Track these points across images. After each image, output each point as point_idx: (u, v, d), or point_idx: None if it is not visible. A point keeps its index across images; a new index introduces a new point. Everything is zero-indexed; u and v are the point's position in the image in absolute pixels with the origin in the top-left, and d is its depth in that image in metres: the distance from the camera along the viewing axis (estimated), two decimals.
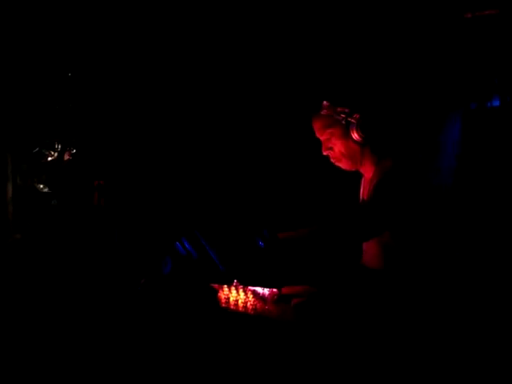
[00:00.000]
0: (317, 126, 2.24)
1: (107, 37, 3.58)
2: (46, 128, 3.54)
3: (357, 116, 2.15)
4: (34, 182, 3.47)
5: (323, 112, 2.20)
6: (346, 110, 2.16)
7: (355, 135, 2.16)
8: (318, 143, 2.28)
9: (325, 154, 2.26)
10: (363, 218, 2.07)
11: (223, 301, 2.13)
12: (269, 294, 2.19)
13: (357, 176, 2.36)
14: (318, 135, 2.26)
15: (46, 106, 3.56)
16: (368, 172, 2.25)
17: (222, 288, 2.20)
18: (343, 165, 2.26)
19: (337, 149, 2.22)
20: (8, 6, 3.52)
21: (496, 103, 3.20)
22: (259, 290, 2.23)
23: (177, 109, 3.57)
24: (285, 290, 2.16)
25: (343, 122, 2.17)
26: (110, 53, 3.61)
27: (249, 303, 2.10)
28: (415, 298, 2.01)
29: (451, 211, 3.21)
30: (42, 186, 3.46)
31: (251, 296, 2.15)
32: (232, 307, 2.09)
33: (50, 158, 3.49)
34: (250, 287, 2.22)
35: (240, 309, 2.08)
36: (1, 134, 3.68)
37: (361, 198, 2.33)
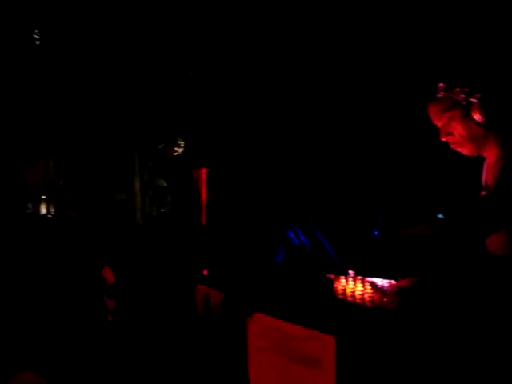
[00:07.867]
0: (434, 110, 2.12)
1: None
2: (170, 126, 3.69)
3: (478, 95, 2.01)
4: (156, 177, 3.64)
5: (440, 95, 2.09)
6: (466, 90, 2.03)
7: (478, 116, 2.03)
8: (434, 130, 2.17)
9: (444, 139, 2.15)
10: (492, 209, 1.95)
11: (339, 292, 2.09)
12: (388, 286, 2.11)
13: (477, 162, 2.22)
14: (435, 121, 2.14)
15: (169, 106, 3.71)
16: (492, 156, 2.10)
17: (338, 279, 2.15)
18: (465, 150, 2.13)
19: (457, 133, 2.09)
20: None
21: None
22: (378, 281, 2.16)
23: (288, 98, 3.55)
24: (402, 283, 2.07)
25: (463, 103, 2.05)
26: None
27: (366, 295, 2.04)
28: None
29: None
30: (163, 181, 3.61)
31: (369, 287, 2.09)
32: (349, 299, 2.05)
33: (174, 154, 3.63)
34: (367, 278, 2.16)
35: (357, 300, 2.03)
36: (129, 133, 3.90)
37: (483, 184, 2.19)
